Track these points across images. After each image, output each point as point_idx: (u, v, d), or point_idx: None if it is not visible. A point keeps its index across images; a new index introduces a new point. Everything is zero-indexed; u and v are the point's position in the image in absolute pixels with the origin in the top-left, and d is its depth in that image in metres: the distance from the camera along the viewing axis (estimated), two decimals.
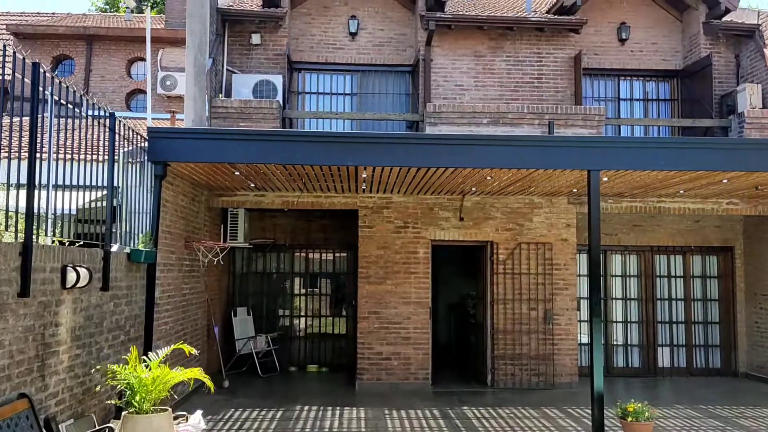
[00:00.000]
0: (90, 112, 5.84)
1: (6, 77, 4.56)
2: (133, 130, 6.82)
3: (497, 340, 9.92)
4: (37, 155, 4.71)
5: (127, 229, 6.82)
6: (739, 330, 11.19)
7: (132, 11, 18.28)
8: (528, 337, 9.89)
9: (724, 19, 11.57)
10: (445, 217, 10.04)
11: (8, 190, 4.60)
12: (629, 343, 11.30)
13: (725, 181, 8.11)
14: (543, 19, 11.38)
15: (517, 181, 8.39)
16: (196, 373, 5.34)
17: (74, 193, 5.50)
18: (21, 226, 4.57)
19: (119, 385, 5.09)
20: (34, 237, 4.68)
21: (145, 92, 14.94)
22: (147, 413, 4.90)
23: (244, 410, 8.23)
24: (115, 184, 6.38)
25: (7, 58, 4.39)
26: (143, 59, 15.57)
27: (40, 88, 4.81)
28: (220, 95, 10.48)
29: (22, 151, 4.72)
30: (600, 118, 10.06)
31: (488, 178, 8.14)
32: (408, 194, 9.94)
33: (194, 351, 5.70)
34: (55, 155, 5.25)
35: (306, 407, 8.41)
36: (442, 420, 7.83)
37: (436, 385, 9.87)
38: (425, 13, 11.03)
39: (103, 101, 9.43)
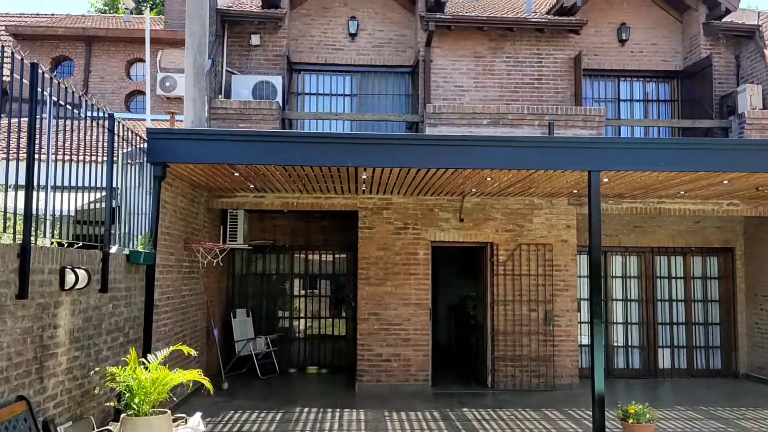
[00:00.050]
0: (89, 113, 5.83)
1: (5, 78, 4.54)
2: (132, 131, 6.81)
3: (497, 342, 9.90)
4: (36, 156, 4.69)
5: (126, 231, 6.80)
6: (740, 331, 11.17)
7: (131, 12, 18.20)
8: (528, 339, 9.87)
9: (724, 19, 11.57)
10: (445, 218, 10.02)
11: (6, 191, 4.58)
12: (630, 344, 11.28)
13: (726, 182, 8.11)
14: (543, 20, 11.37)
15: (518, 182, 8.38)
16: (196, 374, 5.33)
17: (73, 195, 5.48)
18: (19, 227, 4.55)
19: (118, 387, 5.07)
20: (32, 238, 4.66)
21: (144, 93, 14.93)
22: (146, 415, 4.89)
23: (244, 412, 8.21)
24: (114, 185, 6.36)
25: (5, 59, 4.37)
26: (142, 60, 15.58)
27: (39, 89, 4.79)
28: (220, 96, 10.47)
29: (20, 152, 4.70)
30: (600, 119, 10.05)
31: (488, 179, 8.12)
32: (408, 195, 9.92)
33: (193, 352, 5.68)
34: (54, 156, 5.23)
35: (306, 409, 8.39)
36: (442, 422, 7.81)
37: (436, 386, 9.85)
38: (425, 13, 11.02)
39: (103, 102, 9.41)
